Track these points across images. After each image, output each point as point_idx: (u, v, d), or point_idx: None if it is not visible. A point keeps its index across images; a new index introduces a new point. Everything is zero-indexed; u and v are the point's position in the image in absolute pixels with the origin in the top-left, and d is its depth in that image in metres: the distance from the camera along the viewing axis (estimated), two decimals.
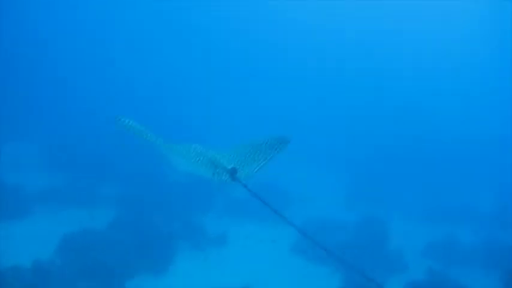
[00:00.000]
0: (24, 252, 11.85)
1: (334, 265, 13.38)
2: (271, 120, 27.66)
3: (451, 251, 14.80)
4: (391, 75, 37.61)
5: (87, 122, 26.16)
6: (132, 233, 13.30)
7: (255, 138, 6.33)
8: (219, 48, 46.59)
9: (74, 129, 24.07)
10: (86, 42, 40.46)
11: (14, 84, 27.92)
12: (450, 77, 39.60)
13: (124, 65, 38.78)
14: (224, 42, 47.76)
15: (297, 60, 44.30)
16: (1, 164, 18.56)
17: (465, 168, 23.29)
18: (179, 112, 29.10)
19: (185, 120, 27.29)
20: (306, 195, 19.44)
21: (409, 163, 22.90)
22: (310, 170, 22.26)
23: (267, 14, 50.00)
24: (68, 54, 37.86)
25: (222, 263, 13.34)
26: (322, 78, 39.46)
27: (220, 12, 48.61)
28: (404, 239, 14.82)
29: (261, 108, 31.69)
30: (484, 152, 25.51)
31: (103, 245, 12.50)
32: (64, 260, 11.78)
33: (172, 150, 5.90)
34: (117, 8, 45.98)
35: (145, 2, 46.96)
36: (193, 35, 46.97)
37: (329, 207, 18.29)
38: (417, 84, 32.99)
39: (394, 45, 43.87)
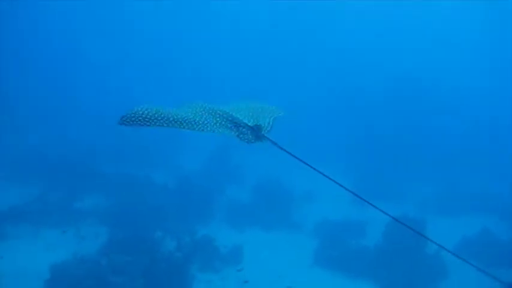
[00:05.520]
0: None
1: (372, 278, 11.81)
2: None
3: (489, 248, 13.35)
4: (391, 63, 36.44)
5: (56, 123, 23.76)
6: (134, 257, 11.15)
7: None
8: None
9: (42, 133, 21.64)
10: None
11: None
12: (458, 59, 38.77)
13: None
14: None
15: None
16: None
17: (476, 155, 22.29)
18: None
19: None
20: (310, 195, 17.85)
21: (417, 153, 21.60)
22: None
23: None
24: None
25: (243, 284, 11.46)
26: (320, 70, 38.15)
27: None
28: (435, 237, 13.34)
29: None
30: (495, 138, 24.56)
31: (103, 277, 10.37)
32: None
33: (188, 117, 5.21)
34: None
35: None
36: None
37: (339, 207, 16.72)
38: (422, 69, 31.69)
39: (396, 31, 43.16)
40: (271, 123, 5.39)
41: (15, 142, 20.25)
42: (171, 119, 5.06)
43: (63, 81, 34.29)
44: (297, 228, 15.08)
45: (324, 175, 4.60)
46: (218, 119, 5.25)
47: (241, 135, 5.12)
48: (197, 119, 5.22)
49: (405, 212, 12.58)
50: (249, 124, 5.24)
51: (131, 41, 46.79)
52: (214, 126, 5.21)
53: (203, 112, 5.33)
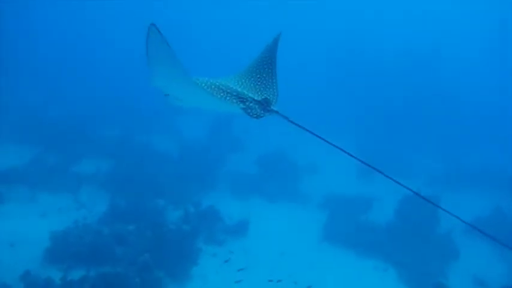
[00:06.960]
0: (5, 263, 9.22)
1: (382, 257, 11.46)
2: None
3: (500, 224, 12.83)
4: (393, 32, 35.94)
5: (58, 85, 22.98)
6: (138, 227, 10.67)
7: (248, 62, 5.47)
8: None
9: (42, 94, 20.85)
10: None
11: None
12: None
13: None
14: None
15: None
16: None
17: (485, 131, 21.96)
18: None
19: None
20: (316, 167, 17.43)
21: (425, 129, 21.19)
22: (314, 138, 19.93)
23: None
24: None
25: (249, 258, 11.07)
26: (329, 43, 37.38)
27: None
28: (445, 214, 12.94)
29: None
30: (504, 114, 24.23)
31: (107, 246, 9.92)
32: (63, 271, 9.08)
33: (192, 88, 4.72)
34: None
35: None
36: None
37: (345, 181, 16.37)
38: (432, 45, 31.03)
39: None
40: (276, 92, 5.13)
41: (14, 102, 19.55)
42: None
43: (66, 42, 33.43)
44: (303, 200, 14.71)
45: (338, 148, 4.34)
46: (223, 95, 4.88)
47: (249, 111, 4.83)
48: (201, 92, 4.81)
49: (419, 188, 12.18)
50: (257, 99, 4.94)
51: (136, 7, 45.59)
52: (222, 103, 4.92)
53: (208, 88, 4.92)
